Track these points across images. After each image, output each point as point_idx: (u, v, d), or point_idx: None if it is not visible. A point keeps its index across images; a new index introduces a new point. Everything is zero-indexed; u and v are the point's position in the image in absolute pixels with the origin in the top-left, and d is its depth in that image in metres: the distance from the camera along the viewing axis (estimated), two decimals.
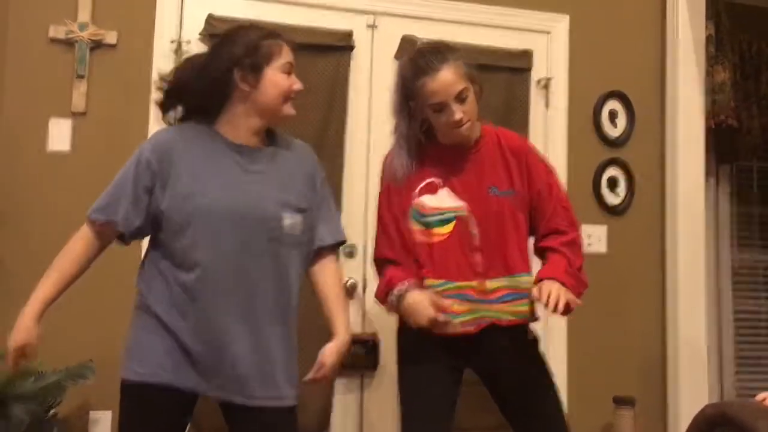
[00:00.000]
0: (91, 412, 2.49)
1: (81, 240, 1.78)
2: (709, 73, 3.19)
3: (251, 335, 1.73)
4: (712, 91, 3.21)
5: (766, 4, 3.47)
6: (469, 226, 1.98)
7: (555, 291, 1.81)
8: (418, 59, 1.95)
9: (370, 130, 2.88)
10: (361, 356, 2.72)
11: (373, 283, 2.80)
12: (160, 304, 1.73)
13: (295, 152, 1.90)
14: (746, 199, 3.67)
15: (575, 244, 2.02)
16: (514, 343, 2.00)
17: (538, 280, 1.92)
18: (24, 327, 1.70)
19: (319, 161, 1.96)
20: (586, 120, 3.09)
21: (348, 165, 2.80)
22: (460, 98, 1.92)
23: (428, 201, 1.99)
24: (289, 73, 1.82)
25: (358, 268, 2.81)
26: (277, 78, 1.79)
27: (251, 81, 1.78)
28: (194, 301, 1.71)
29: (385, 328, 2.79)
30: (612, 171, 3.12)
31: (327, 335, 1.90)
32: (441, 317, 1.86)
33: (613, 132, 3.13)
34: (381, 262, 2.07)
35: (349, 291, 2.79)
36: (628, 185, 3.12)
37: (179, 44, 2.68)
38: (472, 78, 1.97)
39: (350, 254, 2.80)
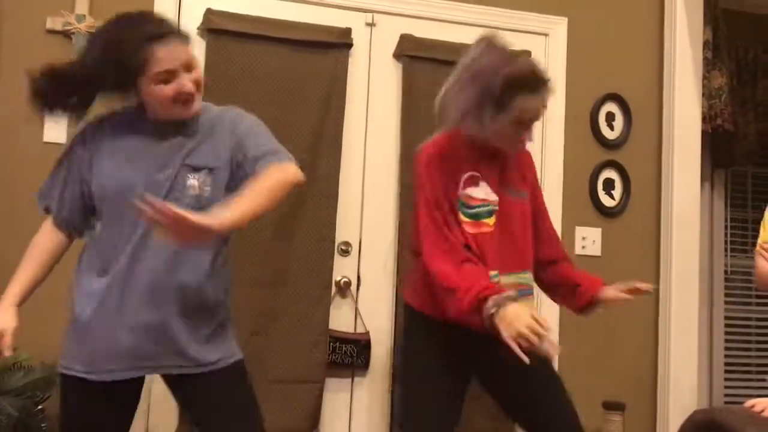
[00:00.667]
0: None
1: (43, 229, 1.83)
2: (706, 78, 3.19)
3: (157, 305, 1.71)
4: (708, 96, 3.21)
5: (763, 12, 3.49)
6: (500, 221, 2.00)
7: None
8: (527, 75, 1.90)
9: (368, 127, 2.88)
10: (353, 356, 2.71)
11: (368, 281, 2.81)
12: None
13: (214, 119, 1.81)
14: (741, 205, 3.68)
15: None
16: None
17: (596, 290, 2.04)
18: None
19: (241, 119, 1.82)
20: (583, 122, 3.09)
21: (345, 162, 2.80)
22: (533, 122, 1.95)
23: (473, 192, 1.97)
24: (166, 81, 1.65)
25: (353, 265, 2.81)
26: (151, 90, 1.67)
27: (124, 94, 1.72)
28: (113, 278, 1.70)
29: (377, 328, 2.80)
30: (608, 173, 3.12)
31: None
32: (542, 333, 1.74)
33: (610, 134, 3.13)
34: (446, 258, 1.91)
35: (342, 289, 2.79)
36: (623, 188, 3.12)
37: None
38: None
39: (345, 252, 2.80)
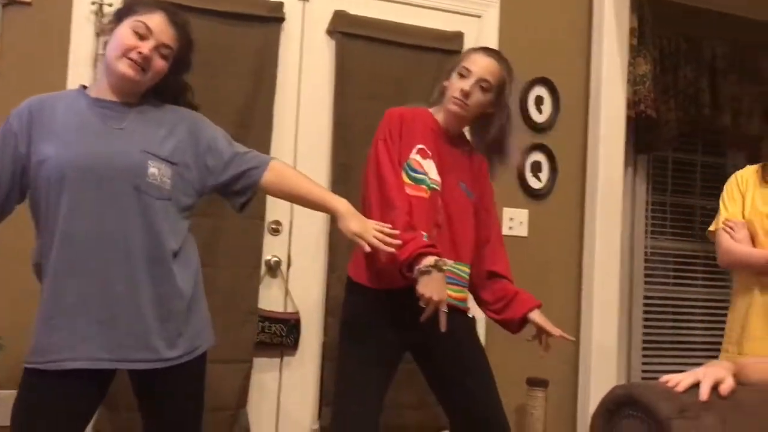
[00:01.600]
0: None
1: None
2: (631, 65, 3.28)
3: (122, 292, 1.71)
4: (633, 82, 3.30)
5: (686, 1, 3.60)
6: (438, 203, 2.10)
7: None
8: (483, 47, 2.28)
9: (300, 104, 2.84)
10: (282, 336, 2.69)
11: (299, 260, 2.78)
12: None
13: (171, 112, 1.86)
14: (661, 189, 3.82)
15: None
16: (454, 318, 2.03)
17: (530, 308, 2.18)
18: None
19: (203, 121, 1.92)
20: (512, 105, 3.11)
21: (276, 139, 2.75)
22: (482, 86, 2.12)
23: (420, 160, 2.09)
24: (140, 36, 1.75)
25: (283, 245, 2.79)
26: (122, 32, 1.76)
27: (109, 30, 1.80)
28: (63, 263, 1.68)
29: (307, 308, 2.79)
30: (536, 156, 3.18)
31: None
32: (443, 313, 1.89)
33: (539, 118, 3.19)
34: (397, 214, 2.01)
35: (273, 268, 2.76)
36: (550, 170, 3.19)
37: (101, 6, 2.56)
38: (501, 94, 2.17)
39: (275, 231, 2.77)
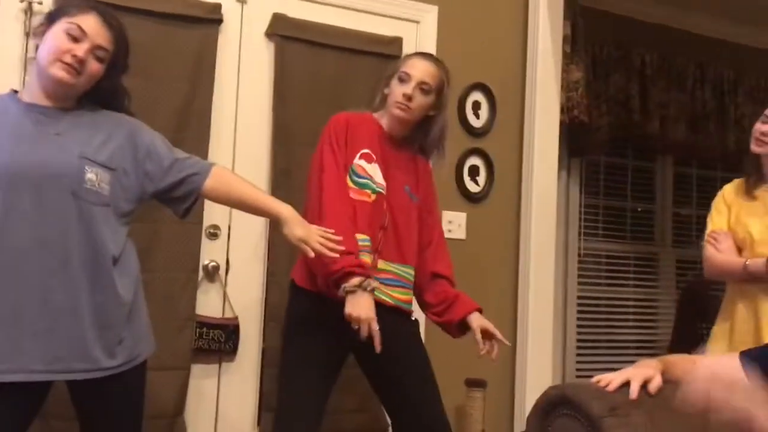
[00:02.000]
0: None
1: None
2: (565, 72, 3.37)
3: (61, 298, 1.67)
4: (567, 88, 3.39)
5: (617, 11, 3.72)
6: (383, 206, 2.14)
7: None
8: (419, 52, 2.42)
9: (238, 107, 2.80)
10: (220, 341, 2.66)
11: (237, 265, 2.75)
12: None
13: (108, 117, 1.84)
14: (594, 192, 3.93)
15: None
16: (397, 320, 2.12)
17: (469, 311, 2.21)
18: None
19: (141, 127, 1.89)
20: (450, 110, 3.14)
21: (214, 141, 2.71)
22: (423, 88, 2.18)
23: (364, 165, 2.13)
24: (74, 38, 1.71)
25: (221, 249, 2.75)
26: (55, 34, 1.72)
27: (40, 32, 1.76)
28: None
29: (246, 313, 2.76)
30: (474, 160, 3.22)
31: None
32: (375, 332, 1.94)
33: (476, 122, 3.24)
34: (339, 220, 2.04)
35: (210, 273, 2.72)
36: (488, 174, 3.24)
37: (30, 4, 2.48)
38: (440, 96, 2.23)
39: (213, 235, 2.73)
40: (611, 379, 1.43)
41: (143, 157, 1.83)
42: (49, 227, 1.66)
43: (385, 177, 2.16)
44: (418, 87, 2.17)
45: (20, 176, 1.64)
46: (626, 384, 1.42)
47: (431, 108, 2.23)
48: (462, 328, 2.24)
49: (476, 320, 2.20)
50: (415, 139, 2.30)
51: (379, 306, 2.03)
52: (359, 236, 2.04)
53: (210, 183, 1.88)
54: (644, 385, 1.41)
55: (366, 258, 2.03)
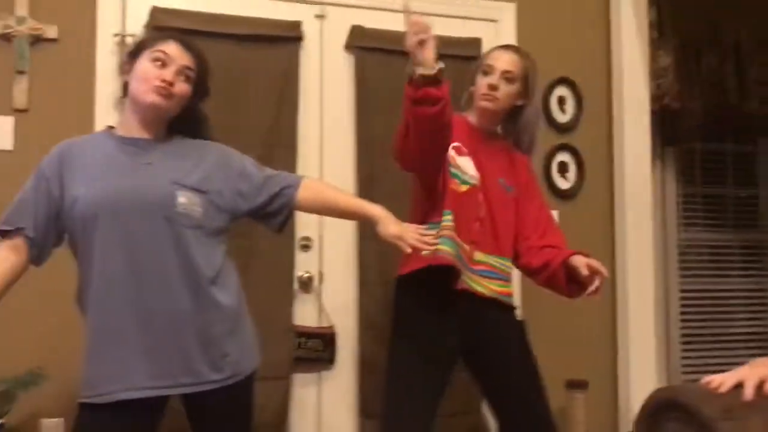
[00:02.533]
0: (42, 420, 2.43)
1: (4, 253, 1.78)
2: (653, 58, 3.25)
3: (161, 321, 1.74)
4: (656, 75, 3.27)
5: None
6: (477, 198, 2.14)
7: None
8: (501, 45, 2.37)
9: (323, 120, 2.86)
10: (318, 350, 2.71)
11: (330, 275, 2.80)
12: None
13: (196, 144, 1.91)
14: (691, 180, 3.77)
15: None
16: (501, 318, 2.12)
17: (569, 254, 2.11)
18: None
19: (230, 151, 1.95)
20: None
21: (301, 157, 2.78)
22: (505, 77, 2.19)
23: (457, 158, 2.16)
24: (160, 63, 1.80)
25: (314, 260, 2.80)
26: (143, 66, 1.81)
27: (127, 69, 1.84)
28: (103, 295, 1.72)
29: (341, 321, 2.80)
30: (562, 156, 3.16)
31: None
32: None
33: (562, 118, 3.17)
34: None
35: (305, 284, 2.78)
36: (577, 170, 3.17)
37: (123, 38, 2.61)
38: (526, 84, 2.23)
39: (305, 247, 2.79)
40: (723, 380, 1.36)
41: (236, 177, 1.89)
42: (146, 252, 1.73)
43: (479, 170, 2.17)
44: (502, 77, 2.18)
45: (115, 205, 1.73)
46: (740, 385, 1.35)
47: (518, 97, 2.23)
48: (571, 282, 2.13)
49: (578, 259, 2.09)
50: (507, 131, 2.30)
51: (477, 298, 2.05)
52: (445, 214, 2.07)
53: (302, 194, 1.92)
54: (760, 386, 1.34)
55: (446, 247, 2.01)
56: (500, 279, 2.16)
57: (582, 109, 3.17)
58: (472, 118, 2.26)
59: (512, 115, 2.27)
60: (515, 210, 2.24)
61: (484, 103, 2.20)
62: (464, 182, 2.12)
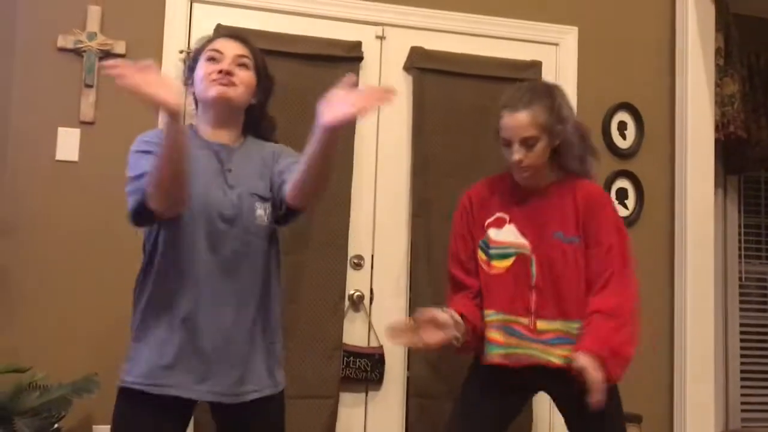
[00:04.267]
0: (95, 427, 2.48)
1: None
2: (718, 86, 3.17)
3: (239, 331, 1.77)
4: (721, 103, 3.19)
5: None
6: (529, 265, 2.04)
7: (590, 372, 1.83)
8: (511, 91, 2.09)
9: (379, 140, 2.86)
10: (366, 370, 2.70)
11: (381, 294, 2.80)
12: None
13: (265, 147, 1.90)
14: (754, 211, 3.65)
15: (618, 316, 1.97)
16: (571, 391, 1.92)
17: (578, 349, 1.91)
18: None
19: (288, 149, 1.92)
20: (595, 131, 3.03)
21: (356, 176, 2.79)
22: (527, 144, 2.01)
23: (494, 234, 2.08)
24: (214, 60, 1.82)
25: (365, 279, 2.80)
26: (200, 68, 1.84)
27: (190, 81, 1.88)
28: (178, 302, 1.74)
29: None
30: (621, 182, 3.10)
31: None
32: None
33: (623, 143, 3.11)
34: (450, 280, 2.20)
35: (355, 303, 2.77)
36: (637, 197, 3.10)
37: (188, 54, 2.67)
38: (550, 129, 2.02)
39: (357, 265, 2.79)
40: None
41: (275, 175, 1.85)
42: (226, 261, 1.74)
43: (527, 233, 2.06)
44: (523, 145, 2.01)
45: (198, 212, 1.73)
46: None
47: (550, 145, 2.05)
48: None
49: (581, 359, 1.88)
50: (553, 177, 2.11)
51: (548, 370, 2.00)
52: (486, 312, 2.06)
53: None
54: None
55: (496, 335, 2.04)
56: (570, 344, 1.98)
57: (643, 135, 3.10)
58: (514, 175, 2.09)
59: (552, 158, 2.08)
60: (583, 257, 2.03)
61: (522, 178, 2.06)
62: (508, 256, 2.05)
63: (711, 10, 3.13)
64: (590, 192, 2.09)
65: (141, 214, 1.69)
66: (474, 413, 2.08)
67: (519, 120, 2.00)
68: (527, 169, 2.04)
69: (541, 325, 2.02)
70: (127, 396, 1.73)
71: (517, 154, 2.02)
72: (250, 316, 1.77)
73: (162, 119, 1.66)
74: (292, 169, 1.75)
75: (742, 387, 3.49)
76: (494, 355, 2.04)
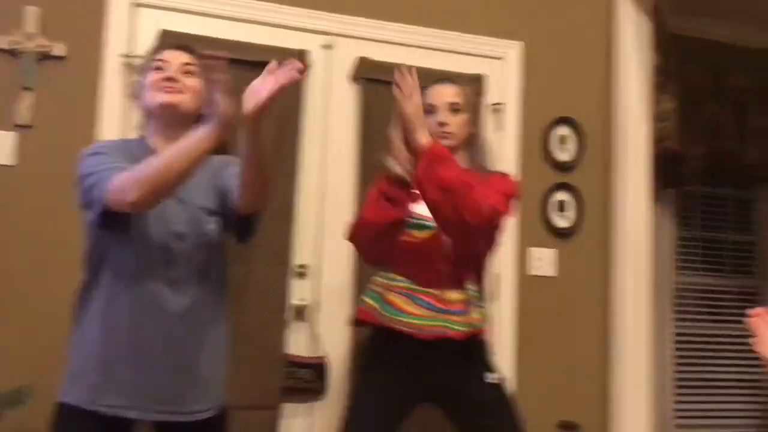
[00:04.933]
0: None
1: None
2: (656, 101, 3.27)
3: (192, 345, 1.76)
4: (658, 118, 3.30)
5: (710, 37, 3.60)
6: (444, 238, 2.07)
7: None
8: (440, 76, 2.29)
9: (326, 150, 2.86)
10: (311, 380, 2.68)
11: (325, 304, 2.79)
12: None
13: (210, 160, 1.82)
14: (690, 224, 3.77)
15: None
16: (473, 365, 2.06)
17: None
18: None
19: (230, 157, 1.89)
20: (536, 144, 3.13)
21: (303, 186, 2.78)
22: (452, 108, 2.13)
23: (415, 207, 2.10)
24: (161, 69, 1.82)
25: (310, 288, 2.79)
26: (148, 78, 1.84)
27: (140, 92, 1.87)
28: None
29: (335, 352, 2.78)
30: (561, 195, 3.16)
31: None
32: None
33: (563, 156, 3.18)
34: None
35: (299, 312, 2.76)
36: (576, 209, 3.17)
37: (130, 58, 2.63)
38: (473, 108, 2.19)
39: (301, 275, 2.78)
40: None
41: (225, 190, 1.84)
42: (176, 275, 1.73)
43: None
44: (447, 109, 2.15)
45: (149, 226, 1.72)
46: None
47: (467, 127, 2.17)
48: None
49: None
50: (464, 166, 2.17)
51: (449, 342, 2.01)
52: (392, 275, 2.10)
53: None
54: None
55: (369, 300, 2.11)
56: (474, 307, 2.09)
57: (583, 148, 3.18)
58: None
59: (470, 143, 2.19)
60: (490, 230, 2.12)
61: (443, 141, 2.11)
62: (424, 228, 2.07)
63: (649, 30, 3.24)
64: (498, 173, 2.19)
65: (108, 214, 1.64)
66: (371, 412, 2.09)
67: (446, 88, 2.17)
68: (450, 136, 2.11)
69: (451, 295, 2.05)
70: (67, 414, 1.69)
71: (442, 116, 2.12)
72: (200, 331, 1.75)
73: (210, 123, 1.62)
74: (237, 176, 1.75)
75: (676, 395, 3.58)
76: (399, 321, 2.03)
